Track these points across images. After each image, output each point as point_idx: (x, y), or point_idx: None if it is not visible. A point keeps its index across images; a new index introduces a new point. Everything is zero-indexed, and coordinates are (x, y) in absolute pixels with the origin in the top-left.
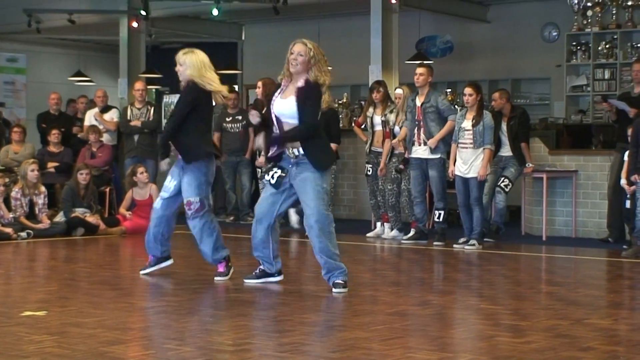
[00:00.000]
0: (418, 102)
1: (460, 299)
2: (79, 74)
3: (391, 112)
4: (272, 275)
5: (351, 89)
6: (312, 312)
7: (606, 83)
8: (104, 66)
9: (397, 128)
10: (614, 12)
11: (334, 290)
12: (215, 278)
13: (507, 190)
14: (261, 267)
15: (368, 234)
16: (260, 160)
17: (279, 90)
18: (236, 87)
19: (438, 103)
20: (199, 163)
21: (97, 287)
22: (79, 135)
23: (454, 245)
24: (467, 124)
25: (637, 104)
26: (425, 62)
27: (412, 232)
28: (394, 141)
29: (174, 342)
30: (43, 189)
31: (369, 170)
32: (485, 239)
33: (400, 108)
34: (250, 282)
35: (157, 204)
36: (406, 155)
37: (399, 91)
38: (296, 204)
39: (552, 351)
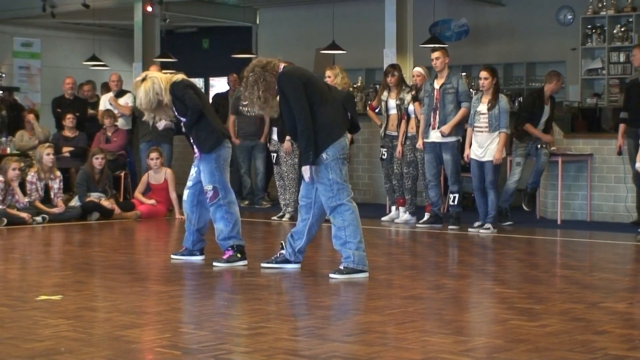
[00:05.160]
0: (436, 85)
1: (475, 283)
2: (93, 58)
3: (407, 92)
4: (289, 262)
5: (366, 73)
6: (327, 296)
7: (621, 66)
8: (118, 50)
9: (410, 107)
10: None
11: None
12: (214, 262)
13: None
14: (282, 251)
15: (383, 218)
16: (286, 146)
17: None
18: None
19: (459, 85)
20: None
21: (112, 272)
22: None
23: (469, 229)
24: (483, 107)
25: None
26: (437, 45)
27: (426, 216)
28: (417, 145)
29: (189, 326)
30: (58, 173)
31: (384, 154)
32: (504, 223)
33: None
34: (267, 265)
35: (184, 195)
36: (419, 143)
37: (418, 69)
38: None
39: (566, 335)
